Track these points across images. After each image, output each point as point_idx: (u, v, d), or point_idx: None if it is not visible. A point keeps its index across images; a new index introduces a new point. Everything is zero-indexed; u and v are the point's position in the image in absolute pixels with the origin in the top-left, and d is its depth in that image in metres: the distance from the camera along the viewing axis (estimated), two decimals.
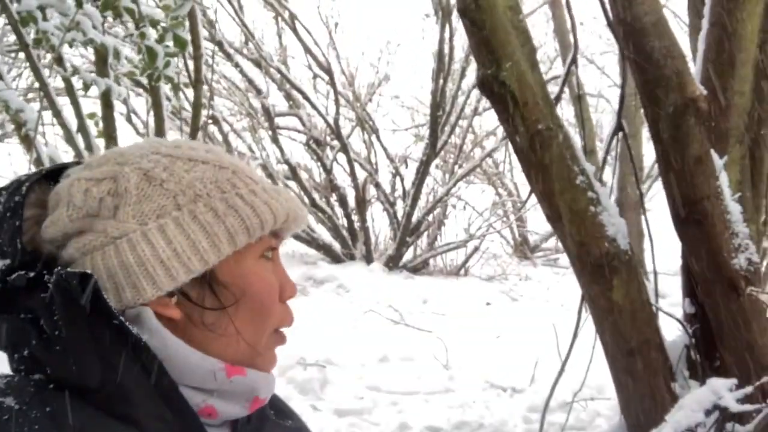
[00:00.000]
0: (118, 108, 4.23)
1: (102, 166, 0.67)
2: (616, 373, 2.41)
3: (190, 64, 3.53)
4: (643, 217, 2.91)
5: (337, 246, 7.40)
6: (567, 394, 3.03)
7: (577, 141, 2.44)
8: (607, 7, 2.32)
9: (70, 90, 2.74)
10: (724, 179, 2.28)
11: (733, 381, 2.07)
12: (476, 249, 7.61)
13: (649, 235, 2.58)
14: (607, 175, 3.85)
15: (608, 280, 2.28)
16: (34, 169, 2.79)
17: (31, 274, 0.64)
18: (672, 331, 2.54)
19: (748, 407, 2.03)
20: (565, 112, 9.08)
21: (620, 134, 2.56)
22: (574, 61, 2.84)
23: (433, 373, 3.83)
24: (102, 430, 0.62)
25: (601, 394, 3.07)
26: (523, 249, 8.91)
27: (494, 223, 8.17)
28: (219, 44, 6.80)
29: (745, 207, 2.32)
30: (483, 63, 2.32)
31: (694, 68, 2.37)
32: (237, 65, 7.23)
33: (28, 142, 2.70)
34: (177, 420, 0.65)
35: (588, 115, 7.36)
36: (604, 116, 10.13)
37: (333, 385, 3.43)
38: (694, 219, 2.24)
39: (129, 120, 5.93)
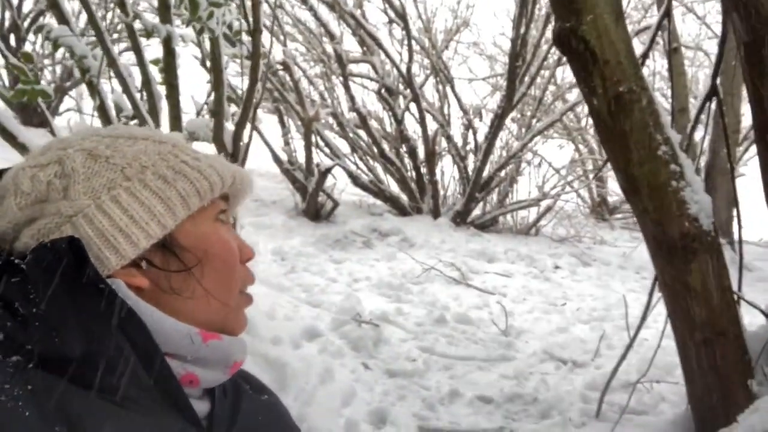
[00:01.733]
0: (191, 51, 4.22)
1: (45, 153, 0.68)
2: (687, 362, 2.21)
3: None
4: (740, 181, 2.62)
5: (404, 198, 7.30)
6: (631, 374, 2.86)
7: (663, 106, 2.18)
8: None
9: (132, 36, 2.71)
10: None
11: None
12: (549, 208, 7.31)
13: (737, 206, 2.31)
14: (700, 134, 3.51)
15: (686, 263, 2.06)
16: (97, 116, 2.82)
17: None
18: (755, 320, 2.30)
19: None
20: (658, 65, 8.42)
21: (714, 100, 2.27)
22: (666, 14, 2.53)
23: (491, 339, 3.72)
24: (83, 405, 0.61)
25: (669, 376, 2.87)
26: (601, 210, 8.50)
27: (572, 181, 7.78)
28: None
29: None
30: (561, 15, 2.09)
31: None
32: (311, 9, 7.08)
33: (92, 88, 2.72)
34: (159, 387, 0.65)
35: (681, 70, 6.76)
36: (701, 70, 9.33)
37: (386, 344, 3.39)
38: None
39: (203, 64, 5.95)
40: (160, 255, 0.69)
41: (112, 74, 2.92)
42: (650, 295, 2.42)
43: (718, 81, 2.36)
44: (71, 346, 0.62)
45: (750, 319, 2.20)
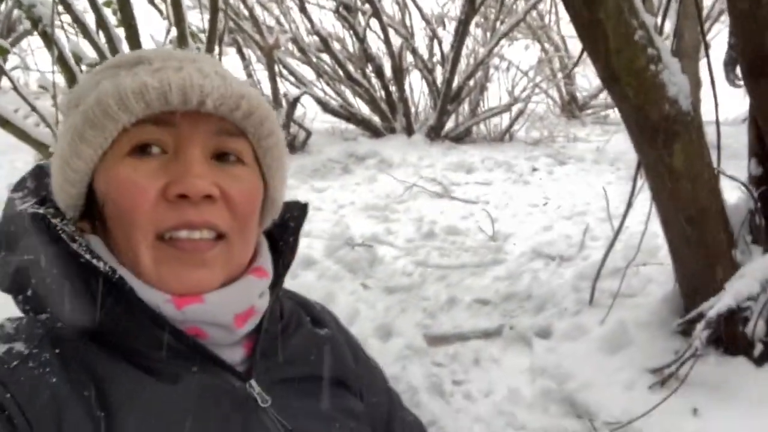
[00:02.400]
0: None
1: None
2: (673, 240, 2.31)
3: None
4: (704, 63, 2.65)
5: (376, 119, 7.23)
6: (617, 261, 2.98)
7: None
8: None
9: None
10: None
11: None
12: (521, 112, 7.31)
13: (713, 86, 2.35)
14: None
15: (668, 144, 2.11)
16: (57, 68, 2.70)
17: (38, 209, 0.65)
18: (735, 194, 2.39)
19: None
20: None
21: None
22: None
23: (480, 246, 3.82)
24: (109, 370, 0.61)
25: (654, 259, 3.00)
26: (571, 108, 8.52)
27: (540, 82, 7.75)
28: None
29: None
30: None
31: None
32: None
33: (47, 38, 2.59)
34: (179, 344, 0.63)
35: None
36: None
37: (381, 263, 3.46)
38: (765, 75, 2.00)
39: (151, 2, 5.67)
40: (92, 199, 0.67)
41: (63, 23, 2.78)
42: (634, 180, 2.49)
43: None
44: (82, 316, 0.62)
45: (728, 194, 2.29)
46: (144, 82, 0.61)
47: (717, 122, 2.27)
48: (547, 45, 8.45)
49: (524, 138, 7.28)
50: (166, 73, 0.62)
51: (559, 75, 8.01)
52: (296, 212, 0.78)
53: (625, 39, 2.04)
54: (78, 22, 2.48)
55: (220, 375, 0.66)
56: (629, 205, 2.54)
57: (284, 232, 0.77)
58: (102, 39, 2.60)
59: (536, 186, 5.35)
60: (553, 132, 7.34)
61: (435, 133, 6.99)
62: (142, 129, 0.63)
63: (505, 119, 7.43)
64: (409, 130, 7.04)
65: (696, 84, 6.67)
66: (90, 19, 2.66)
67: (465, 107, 7.49)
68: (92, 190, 0.66)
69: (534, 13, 8.15)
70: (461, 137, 7.19)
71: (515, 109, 7.28)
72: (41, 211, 0.64)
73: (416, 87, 7.45)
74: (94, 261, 0.61)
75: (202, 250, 0.64)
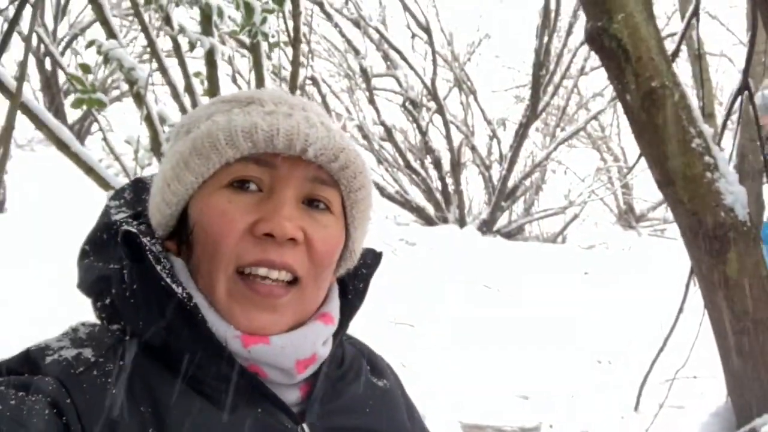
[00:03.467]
0: (223, 68, 4.38)
1: None
2: (725, 352, 2.24)
3: (290, 24, 3.57)
4: (765, 186, 2.65)
5: (430, 208, 7.37)
6: (666, 369, 2.87)
7: (694, 102, 2.23)
8: None
9: (177, 49, 2.85)
10: None
11: None
12: (576, 216, 7.32)
13: None
14: (727, 140, 3.54)
15: (723, 252, 2.10)
16: (145, 125, 2.96)
17: (131, 225, 0.67)
18: None
19: None
20: (683, 72, 8.42)
21: (745, 94, 2.32)
22: (695, 13, 2.59)
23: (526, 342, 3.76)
24: (169, 391, 0.62)
25: (705, 370, 2.88)
26: (628, 217, 8.47)
27: (597, 189, 7.79)
28: (319, 4, 6.84)
29: None
30: (593, 14, 2.16)
31: None
32: (336, 25, 7.25)
33: (139, 99, 2.85)
34: (240, 379, 0.64)
35: (708, 76, 6.76)
36: (725, 77, 9.29)
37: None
38: None
39: (234, 80, 6.14)
40: (184, 222, 0.69)
41: (154, 85, 3.06)
42: (687, 286, 2.45)
43: (750, 81, 2.41)
44: (152, 334, 0.64)
45: None
46: (255, 123, 0.64)
47: None
48: (606, 154, 8.56)
49: (578, 242, 7.24)
50: (277, 117, 0.65)
51: (617, 183, 8.03)
52: (369, 260, 0.78)
53: (682, 145, 2.09)
54: (170, 85, 2.73)
55: (275, 415, 0.66)
56: (681, 309, 2.49)
57: (355, 278, 0.77)
58: (188, 103, 2.85)
59: (587, 291, 5.27)
60: (607, 240, 7.28)
61: (487, 227, 7.05)
62: (243, 165, 0.65)
63: (558, 223, 7.45)
64: (461, 222, 7.13)
65: (760, 205, 6.57)
66: (180, 84, 2.92)
67: (519, 206, 7.57)
68: (185, 214, 0.69)
69: (595, 124, 8.34)
70: (513, 234, 7.23)
71: (570, 212, 7.31)
72: (134, 228, 0.66)
73: (472, 182, 7.62)
74: (174, 285, 0.63)
75: (276, 295, 0.65)
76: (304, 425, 0.67)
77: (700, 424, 2.29)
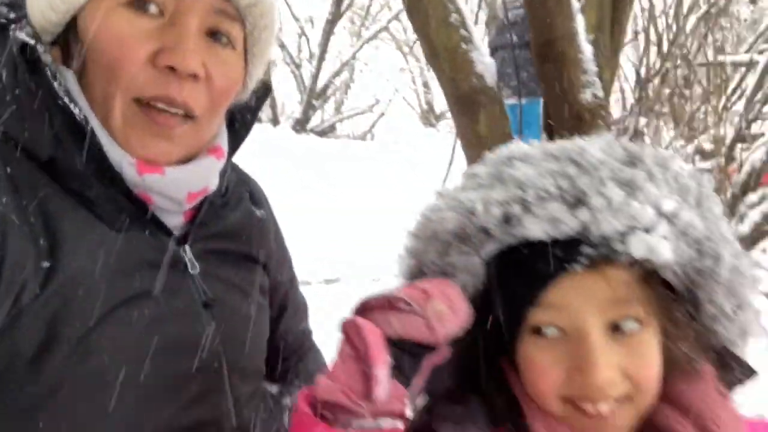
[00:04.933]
0: None
1: None
2: None
3: None
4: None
5: None
6: None
7: None
8: None
9: None
10: (580, 21, 2.51)
11: None
12: (382, 114, 7.77)
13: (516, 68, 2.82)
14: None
15: (475, 113, 2.53)
16: None
17: (25, 38, 0.62)
18: None
19: None
20: None
21: None
22: None
23: None
24: (60, 203, 0.61)
25: None
26: (429, 116, 9.17)
27: (400, 88, 8.29)
28: None
29: (599, 49, 2.58)
30: None
31: None
32: None
33: None
34: (129, 203, 0.64)
35: None
36: None
37: None
38: (551, 57, 2.48)
39: None
40: (71, 36, 0.65)
41: None
42: (453, 147, 2.90)
43: None
44: (39, 146, 0.61)
45: None
46: None
47: (519, 98, 2.74)
48: (408, 56, 9.05)
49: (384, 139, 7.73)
50: None
51: (419, 82, 8.60)
52: (259, 93, 0.77)
53: (442, 20, 2.43)
54: None
55: (161, 238, 0.67)
56: (450, 162, 2.95)
57: (243, 109, 0.76)
58: None
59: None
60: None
61: (300, 126, 7.23)
62: None
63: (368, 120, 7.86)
64: (274, 121, 7.22)
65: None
66: None
67: (331, 105, 7.82)
68: (74, 22, 0.64)
69: (398, 24, 8.71)
70: (325, 132, 7.50)
71: (377, 110, 7.74)
72: (30, 40, 0.61)
73: (284, 81, 7.66)
74: (72, 105, 0.61)
75: (171, 125, 0.64)
76: (186, 247, 0.70)
77: None
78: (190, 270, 0.70)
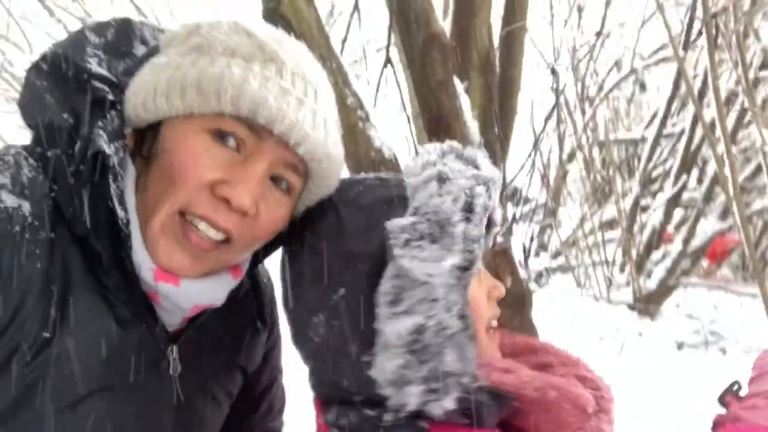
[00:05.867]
0: None
1: None
2: None
3: None
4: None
5: None
6: None
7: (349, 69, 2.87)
8: None
9: None
10: (465, 100, 2.82)
11: None
12: None
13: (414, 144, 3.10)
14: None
15: None
16: None
17: (102, 139, 0.67)
18: None
19: None
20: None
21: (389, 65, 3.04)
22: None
23: None
24: (81, 280, 0.66)
25: None
26: None
27: None
28: None
29: (485, 123, 2.90)
30: None
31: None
32: (60, 21, 6.92)
33: None
34: (137, 298, 0.69)
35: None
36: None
37: None
38: (441, 131, 2.76)
39: None
40: (150, 134, 0.71)
41: None
42: None
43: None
44: (78, 225, 0.66)
45: None
46: (265, 98, 0.66)
47: None
48: None
49: None
50: (288, 101, 0.68)
51: None
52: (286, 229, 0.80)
53: (340, 102, 2.70)
54: None
55: (155, 334, 0.71)
56: None
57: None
58: None
59: None
60: None
61: None
62: (235, 122, 0.67)
63: None
64: None
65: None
66: None
67: None
68: (158, 125, 0.70)
69: None
70: None
71: None
72: (107, 148, 0.65)
73: None
74: (119, 208, 0.65)
75: (204, 247, 0.69)
76: (173, 347, 0.74)
77: None
78: (170, 371, 0.73)
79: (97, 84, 0.68)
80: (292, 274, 0.72)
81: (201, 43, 0.69)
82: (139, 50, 0.76)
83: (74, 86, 0.68)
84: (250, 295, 0.84)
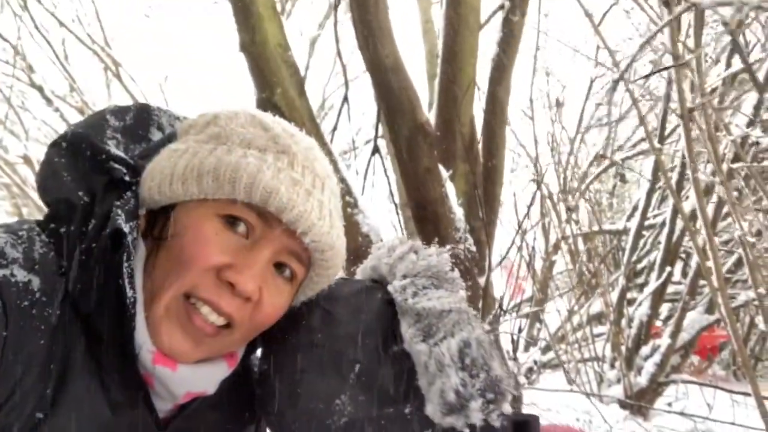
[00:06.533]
0: None
1: None
2: None
3: None
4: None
5: None
6: None
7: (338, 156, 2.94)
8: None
9: None
10: (450, 188, 2.88)
11: None
12: None
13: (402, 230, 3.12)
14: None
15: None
16: None
17: (120, 218, 0.69)
18: None
19: None
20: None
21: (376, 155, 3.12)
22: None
23: None
24: (81, 360, 0.66)
25: None
26: None
27: None
28: (40, 89, 6.71)
29: (470, 210, 2.94)
30: (259, 87, 2.77)
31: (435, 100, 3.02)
32: (57, 110, 7.12)
33: None
34: (133, 381, 0.69)
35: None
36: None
37: None
38: (427, 217, 2.79)
39: None
40: (162, 216, 0.72)
41: None
42: None
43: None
44: (84, 302, 0.67)
45: None
46: (277, 189, 0.69)
47: None
48: None
49: None
50: (298, 192, 0.70)
51: None
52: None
53: None
54: None
55: (146, 418, 0.72)
56: None
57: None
58: None
59: None
60: None
61: None
62: (246, 209, 0.70)
63: None
64: None
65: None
66: None
67: None
68: (170, 208, 0.72)
69: None
70: None
71: None
72: (125, 226, 0.66)
73: None
74: (128, 286, 0.66)
75: (207, 332, 0.70)
76: None
77: None
78: None
79: (115, 165, 0.71)
80: (287, 375, 0.73)
81: (219, 132, 0.72)
82: (155, 135, 0.80)
83: (92, 166, 0.71)
84: (242, 385, 0.84)
